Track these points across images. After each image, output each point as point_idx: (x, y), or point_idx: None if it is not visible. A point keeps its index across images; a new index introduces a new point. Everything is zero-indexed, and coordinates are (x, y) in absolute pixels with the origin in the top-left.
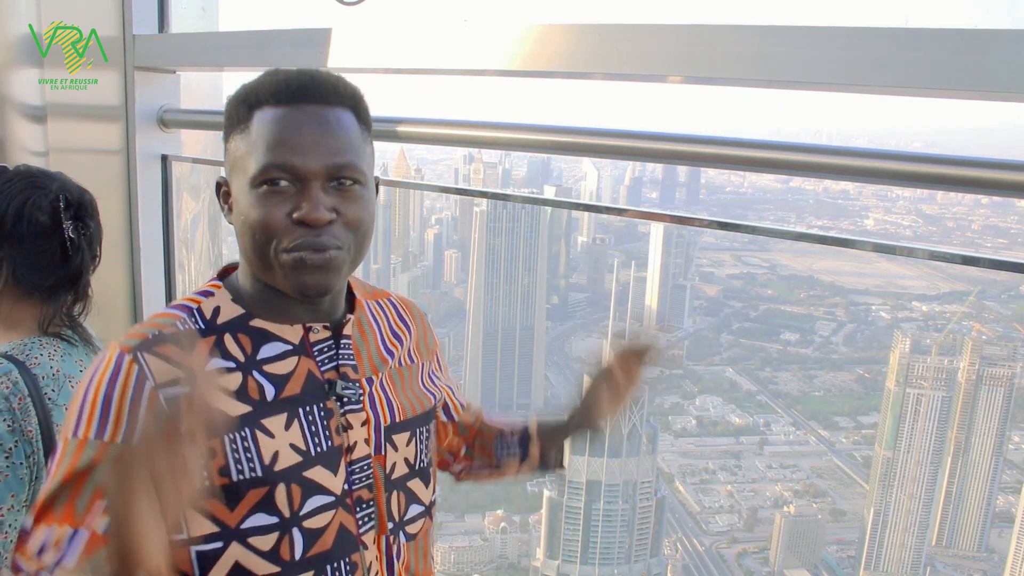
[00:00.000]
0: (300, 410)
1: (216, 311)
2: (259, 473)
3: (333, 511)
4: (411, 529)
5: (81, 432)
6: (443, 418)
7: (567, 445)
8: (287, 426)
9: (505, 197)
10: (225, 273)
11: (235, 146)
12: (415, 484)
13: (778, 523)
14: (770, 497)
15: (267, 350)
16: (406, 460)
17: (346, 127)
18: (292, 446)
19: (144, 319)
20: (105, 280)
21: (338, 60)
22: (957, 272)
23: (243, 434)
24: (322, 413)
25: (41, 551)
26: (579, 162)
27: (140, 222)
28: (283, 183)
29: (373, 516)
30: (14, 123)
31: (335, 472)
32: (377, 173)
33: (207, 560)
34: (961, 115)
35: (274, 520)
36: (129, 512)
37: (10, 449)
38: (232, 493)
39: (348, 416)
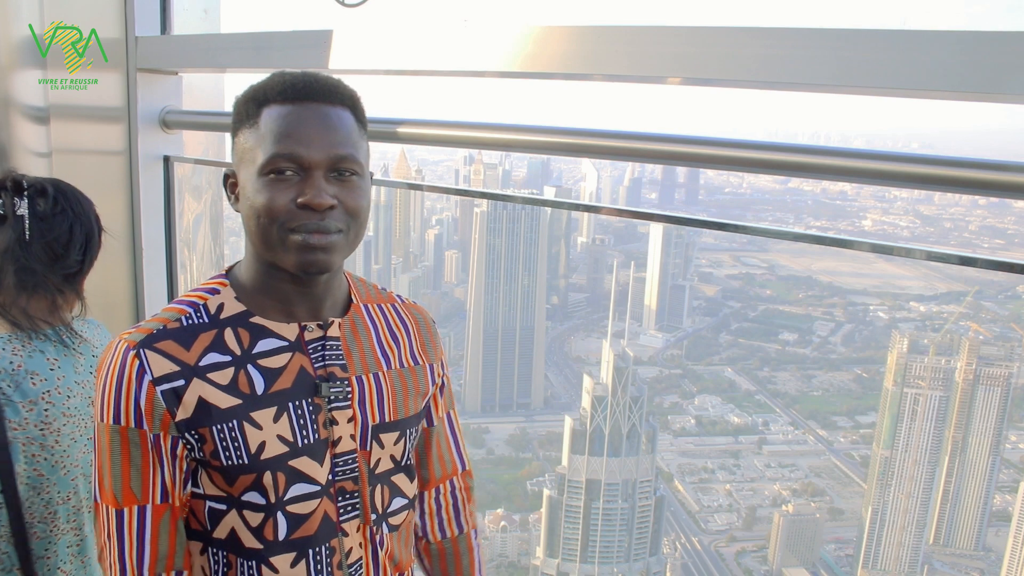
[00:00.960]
0: (290, 404)
1: (220, 307)
2: (246, 461)
3: (318, 500)
4: (394, 521)
5: (105, 418)
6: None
7: None
8: (276, 418)
9: (505, 198)
10: (230, 270)
11: (243, 139)
12: (399, 479)
13: (776, 522)
14: (768, 496)
15: (263, 344)
16: (392, 456)
17: (346, 123)
18: (280, 437)
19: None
20: (107, 280)
21: (339, 61)
22: (954, 272)
23: (231, 425)
24: (310, 408)
25: (120, 532)
26: (579, 163)
27: (142, 222)
28: (288, 172)
29: (357, 506)
30: (17, 125)
31: (320, 463)
32: (378, 175)
33: (215, 517)
34: (959, 116)
35: (262, 501)
36: (145, 479)
37: None
38: (226, 473)
39: (334, 412)
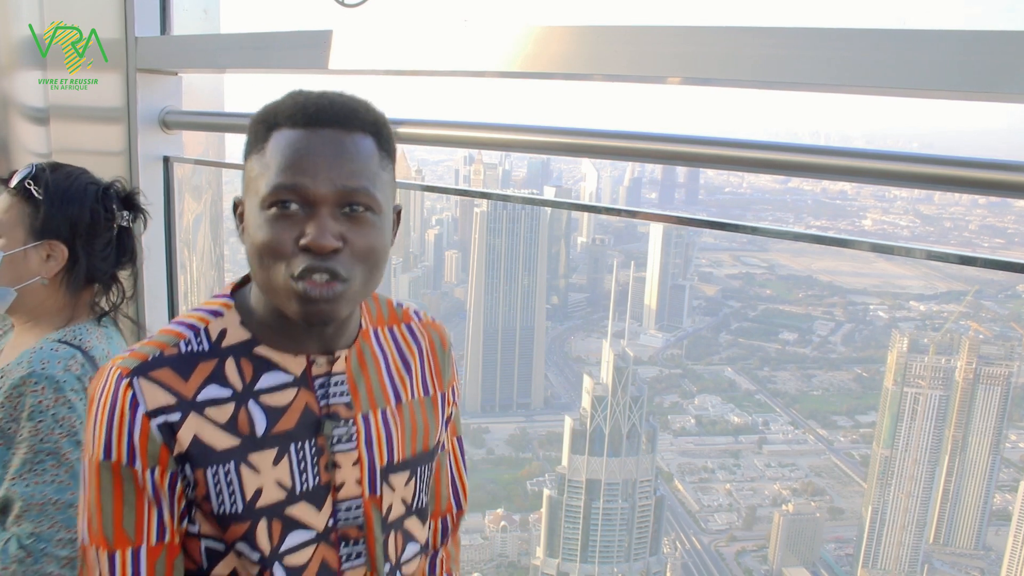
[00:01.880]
0: (292, 445)
1: (222, 334)
2: (239, 509)
3: (314, 546)
4: (407, 569)
5: (95, 453)
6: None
7: None
8: (276, 461)
9: (505, 198)
10: (239, 286)
11: (251, 166)
12: (411, 523)
13: (777, 521)
14: (769, 496)
15: (267, 379)
16: (403, 500)
17: (362, 152)
18: (278, 483)
19: (144, 322)
20: None
21: (339, 62)
22: (954, 272)
23: (227, 468)
24: (312, 450)
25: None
26: (579, 163)
27: (142, 223)
28: (293, 206)
29: (362, 554)
30: (17, 125)
31: (319, 508)
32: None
33: (213, 558)
34: (958, 116)
35: (255, 556)
36: (140, 519)
37: None
38: (217, 521)
39: (337, 455)
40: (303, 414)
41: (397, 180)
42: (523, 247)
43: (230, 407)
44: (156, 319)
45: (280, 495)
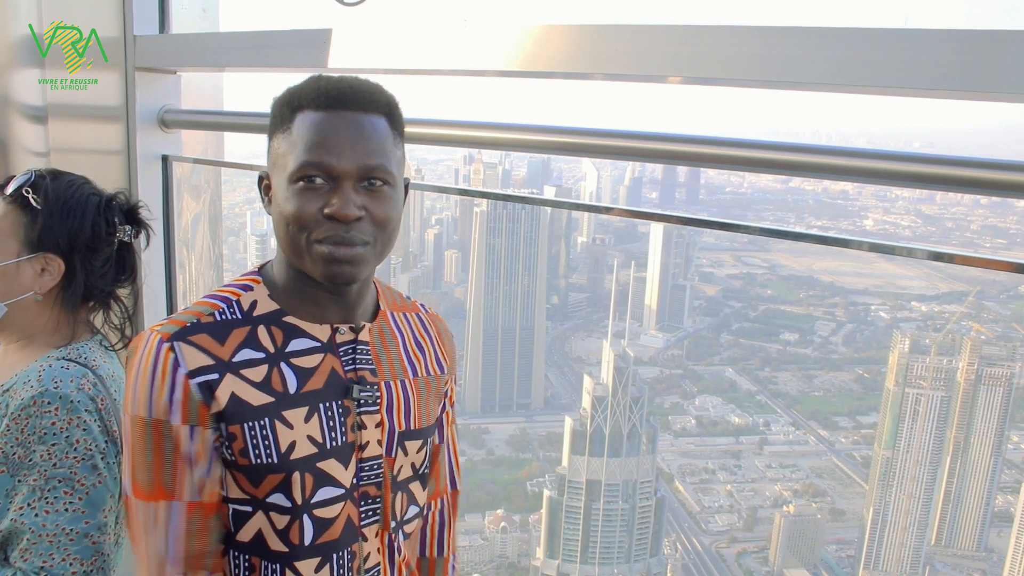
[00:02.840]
0: (321, 405)
1: (253, 304)
2: (275, 460)
3: (342, 503)
4: (408, 528)
5: (137, 410)
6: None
7: None
8: (307, 419)
9: (505, 197)
10: (262, 267)
11: (277, 144)
12: (415, 487)
13: (777, 523)
14: (769, 497)
15: (296, 344)
16: (412, 464)
17: (379, 132)
18: (309, 438)
19: (143, 321)
20: None
21: (339, 61)
22: (956, 272)
23: (262, 423)
24: (340, 410)
25: (151, 527)
26: (579, 162)
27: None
28: (318, 180)
29: (378, 512)
30: (15, 124)
31: (346, 466)
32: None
33: (240, 520)
34: (960, 115)
35: (288, 504)
36: (177, 474)
37: (104, 450)
38: (253, 473)
39: (363, 416)
40: (330, 377)
41: None
42: (523, 247)
43: (264, 368)
44: (154, 319)
45: (312, 449)
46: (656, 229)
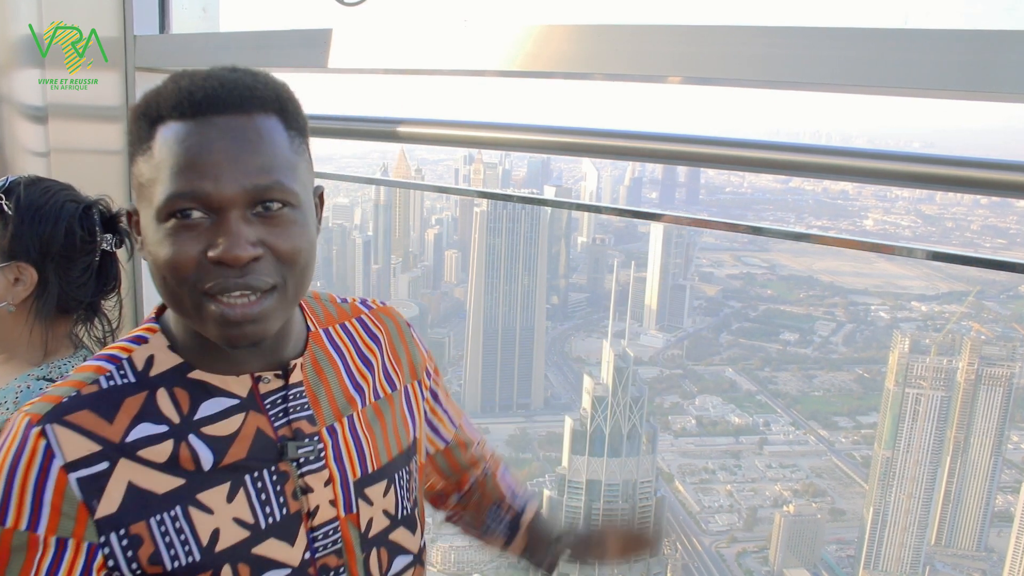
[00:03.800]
0: (247, 477)
1: (149, 361)
2: (197, 557)
3: None
4: None
5: None
6: (421, 458)
7: (559, 557)
8: (230, 497)
9: (505, 197)
10: (162, 310)
11: (139, 170)
12: (399, 535)
13: (778, 522)
14: (769, 497)
15: (207, 407)
16: (385, 512)
17: (269, 138)
18: (237, 520)
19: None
20: None
21: (338, 61)
22: (956, 272)
23: (173, 514)
24: (274, 478)
25: None
26: (579, 162)
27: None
28: (195, 215)
29: None
30: (15, 124)
31: (292, 542)
32: (378, 174)
33: None
34: (960, 115)
35: None
36: None
37: None
38: None
39: (306, 478)
40: (256, 439)
41: (398, 179)
42: (523, 247)
43: (168, 444)
44: None
45: (243, 534)
46: (656, 229)
